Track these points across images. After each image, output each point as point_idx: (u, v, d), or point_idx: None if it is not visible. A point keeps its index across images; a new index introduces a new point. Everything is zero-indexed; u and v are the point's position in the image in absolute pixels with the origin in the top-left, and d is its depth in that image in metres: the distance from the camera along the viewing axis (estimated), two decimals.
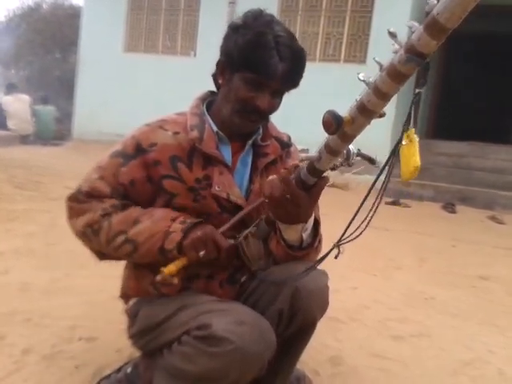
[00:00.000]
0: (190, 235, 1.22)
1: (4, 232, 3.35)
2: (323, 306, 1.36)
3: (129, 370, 1.57)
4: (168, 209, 1.30)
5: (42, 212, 4.03)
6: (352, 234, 1.09)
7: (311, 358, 1.91)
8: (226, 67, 1.31)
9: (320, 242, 1.36)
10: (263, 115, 1.33)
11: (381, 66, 0.87)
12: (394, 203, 6.27)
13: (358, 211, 1.07)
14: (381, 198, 1.03)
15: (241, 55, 1.25)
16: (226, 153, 1.37)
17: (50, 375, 1.66)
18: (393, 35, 0.84)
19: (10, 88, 10.01)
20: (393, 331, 2.34)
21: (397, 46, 0.84)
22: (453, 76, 9.66)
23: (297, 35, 1.36)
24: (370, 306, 2.65)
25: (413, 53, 0.81)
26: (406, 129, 0.97)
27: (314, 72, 7.39)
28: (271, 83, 1.26)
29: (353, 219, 1.08)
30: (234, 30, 1.29)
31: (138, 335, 1.39)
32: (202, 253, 1.21)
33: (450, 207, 6.33)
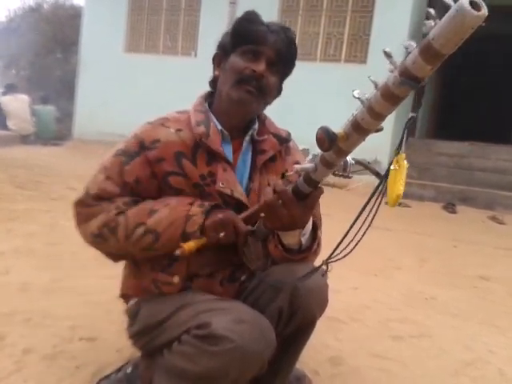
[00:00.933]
0: (211, 217, 1.23)
1: (4, 232, 3.35)
2: (323, 304, 1.36)
3: (129, 369, 1.57)
4: (181, 196, 1.30)
5: (43, 212, 4.03)
6: (342, 251, 1.09)
7: (311, 357, 1.91)
8: (221, 57, 1.39)
9: (319, 245, 1.37)
10: (261, 83, 1.32)
11: (376, 84, 0.85)
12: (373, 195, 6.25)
13: (349, 230, 1.06)
14: (372, 219, 1.02)
15: (233, 33, 1.34)
16: (228, 151, 1.38)
17: (50, 375, 1.66)
18: (388, 55, 0.82)
19: (9, 88, 10.02)
20: (393, 331, 2.34)
21: (391, 66, 0.82)
22: (454, 76, 9.66)
23: (297, 35, 1.38)
24: (370, 306, 2.65)
25: (407, 76, 0.78)
26: (396, 153, 0.94)
27: (314, 72, 7.43)
28: (265, 50, 1.32)
29: (343, 239, 1.07)
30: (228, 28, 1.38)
31: (138, 335, 1.39)
32: (222, 234, 1.22)
33: (450, 207, 6.33)
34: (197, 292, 1.33)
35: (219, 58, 1.40)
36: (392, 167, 0.95)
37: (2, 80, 13.76)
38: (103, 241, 1.29)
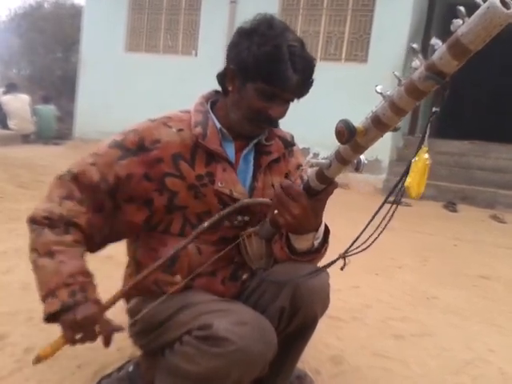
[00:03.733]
0: (68, 314, 1.16)
1: (6, 231, 3.36)
2: (324, 303, 1.37)
3: (130, 368, 1.57)
4: (83, 266, 1.25)
5: None
6: (359, 246, 1.09)
7: (312, 357, 1.91)
8: (236, 75, 1.29)
9: (326, 248, 1.36)
10: (274, 123, 1.36)
11: (399, 80, 0.86)
12: (395, 202, 6.25)
13: (367, 226, 1.06)
14: (392, 215, 1.03)
15: (257, 66, 1.23)
16: (230, 150, 1.37)
17: (51, 374, 1.67)
18: (415, 51, 0.83)
19: (10, 88, 10.01)
20: (394, 330, 2.34)
21: (417, 62, 0.83)
22: (454, 75, 9.64)
23: (298, 34, 1.36)
24: (371, 305, 2.65)
25: (433, 71, 0.80)
26: (421, 146, 0.96)
27: (315, 71, 7.42)
28: (285, 95, 1.27)
29: (362, 232, 1.07)
30: (245, 36, 1.27)
31: (140, 334, 1.39)
32: (78, 336, 1.17)
33: (451, 206, 6.33)
34: (198, 292, 1.33)
35: (234, 75, 1.30)
36: (428, 162, 0.96)
37: (2, 79, 13.76)
38: (28, 228, 1.30)
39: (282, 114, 1.33)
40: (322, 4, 7.90)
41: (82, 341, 1.19)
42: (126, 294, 1.31)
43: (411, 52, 0.84)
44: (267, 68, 1.22)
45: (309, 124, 7.20)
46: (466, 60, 0.79)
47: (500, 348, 2.26)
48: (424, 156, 0.94)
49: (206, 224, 1.28)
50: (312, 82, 1.31)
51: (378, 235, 1.05)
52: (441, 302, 2.86)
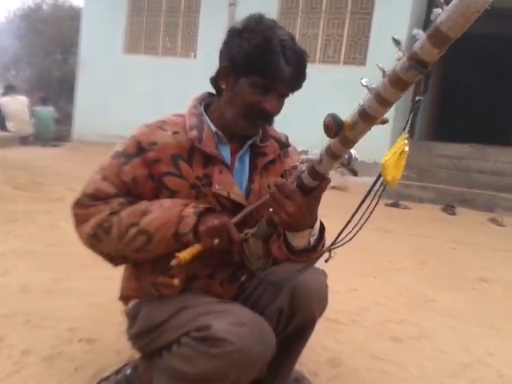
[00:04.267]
0: (206, 222, 1.21)
1: (4, 233, 3.35)
2: (322, 304, 1.37)
3: (128, 371, 1.57)
4: (176, 198, 1.29)
5: (43, 213, 4.03)
6: (344, 238, 1.09)
7: (310, 359, 1.91)
8: (229, 72, 1.31)
9: (323, 246, 1.36)
10: (269, 118, 1.34)
11: (383, 71, 0.87)
12: (393, 205, 6.27)
13: (352, 216, 1.07)
14: (376, 204, 1.03)
15: (248, 60, 1.25)
16: (225, 152, 1.38)
17: (49, 377, 1.66)
18: (397, 42, 0.85)
19: (9, 89, 10.01)
20: (392, 333, 2.34)
21: (400, 53, 0.84)
22: (452, 78, 9.68)
23: (297, 37, 1.37)
24: (369, 308, 2.65)
25: (415, 60, 0.81)
26: (406, 127, 0.96)
27: (313, 73, 7.40)
28: (278, 86, 1.27)
29: (346, 225, 1.08)
30: (236, 34, 1.29)
31: (138, 336, 1.39)
32: (216, 241, 1.20)
33: (449, 209, 6.33)
34: (197, 294, 1.33)
35: (227, 72, 1.32)
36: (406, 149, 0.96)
37: (1, 81, 13.76)
38: (98, 241, 1.28)
39: (277, 109, 1.32)
40: (321, 7, 7.92)
41: (220, 245, 1.21)
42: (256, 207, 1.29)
43: (394, 43, 0.85)
44: (259, 60, 1.24)
45: (307, 126, 7.20)
46: (447, 48, 0.79)
47: (498, 351, 2.26)
48: (403, 141, 0.94)
49: (240, 215, 1.28)
50: (305, 75, 1.33)
51: (360, 227, 1.06)
52: (439, 304, 2.86)
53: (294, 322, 1.33)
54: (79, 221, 1.31)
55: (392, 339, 2.28)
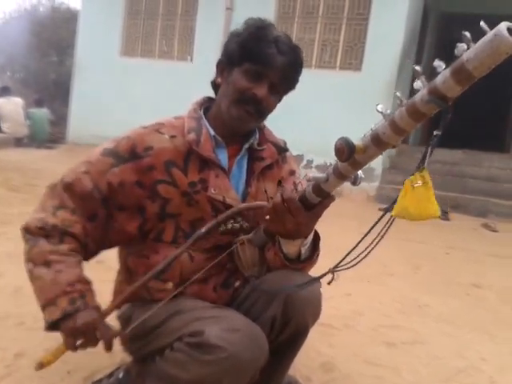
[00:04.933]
0: (68, 321, 1.17)
1: None
2: (316, 312, 1.36)
3: (120, 375, 1.57)
4: (81, 274, 1.26)
5: None
6: (349, 262, 1.09)
7: (303, 364, 1.91)
8: (225, 66, 1.35)
9: (317, 256, 1.36)
10: (260, 107, 1.33)
11: (401, 100, 0.86)
12: (387, 210, 6.27)
13: (358, 242, 1.06)
14: (383, 236, 1.03)
15: (241, 48, 1.30)
16: (223, 156, 1.38)
17: (41, 380, 1.65)
18: (418, 73, 0.83)
19: (4, 91, 9.98)
20: (386, 338, 2.35)
21: (419, 83, 0.83)
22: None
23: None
24: (363, 313, 2.66)
25: (436, 95, 0.80)
26: (421, 168, 0.95)
27: (309, 78, 7.42)
28: (269, 73, 1.29)
29: (354, 248, 1.07)
30: (234, 34, 1.34)
31: (130, 341, 1.38)
32: (79, 342, 1.19)
33: (443, 214, 6.35)
34: (190, 299, 1.32)
35: (223, 66, 1.37)
36: (417, 184, 0.94)
37: None
38: (22, 237, 1.31)
39: (269, 101, 1.32)
40: (318, 12, 7.95)
41: (83, 347, 1.20)
42: (124, 302, 1.31)
43: (414, 73, 0.84)
44: (252, 47, 1.28)
45: (303, 131, 7.23)
46: (470, 85, 0.78)
47: (492, 356, 2.27)
48: (429, 179, 0.95)
49: (203, 229, 1.28)
50: (299, 69, 1.36)
51: (368, 253, 1.04)
52: (433, 310, 2.87)
53: (288, 329, 1.32)
54: (40, 203, 1.33)
55: (385, 344, 2.28)
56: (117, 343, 1.45)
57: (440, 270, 3.89)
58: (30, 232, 1.27)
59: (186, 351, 1.13)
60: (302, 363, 1.88)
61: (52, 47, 14.23)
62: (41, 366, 1.17)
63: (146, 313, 1.31)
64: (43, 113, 10.30)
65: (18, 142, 9.62)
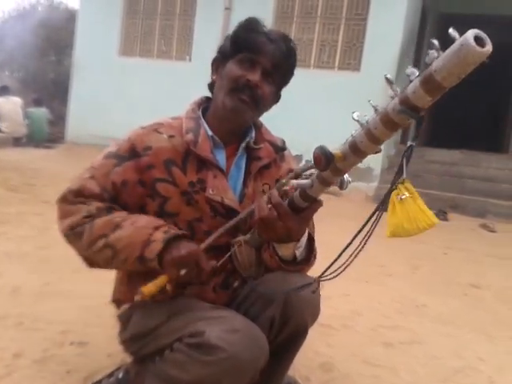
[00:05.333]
0: (172, 251, 1.17)
1: None
2: (315, 313, 1.36)
3: (120, 375, 1.57)
4: (153, 217, 1.27)
5: (35, 215, 4.01)
6: (334, 271, 1.08)
7: (302, 364, 1.91)
8: (219, 62, 1.38)
9: (314, 256, 1.37)
10: (254, 93, 1.32)
11: (376, 109, 0.85)
12: (386, 210, 6.28)
13: (343, 250, 1.05)
14: (368, 237, 1.02)
15: (233, 41, 1.34)
16: (221, 157, 1.38)
17: (41, 380, 1.65)
18: (389, 81, 0.82)
19: (2, 90, 9.97)
20: (385, 338, 2.35)
21: (391, 92, 0.82)
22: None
23: None
24: (361, 313, 2.66)
25: (407, 105, 0.79)
26: (399, 180, 0.91)
27: (308, 79, 7.47)
28: (261, 60, 1.31)
29: (337, 258, 1.07)
30: (228, 35, 1.39)
31: (130, 341, 1.38)
32: (183, 271, 1.17)
33: (441, 215, 6.36)
34: (189, 299, 1.32)
35: (217, 63, 1.40)
36: (403, 196, 0.90)
37: None
38: (71, 241, 1.29)
39: (263, 88, 1.33)
40: (316, 12, 7.95)
41: (186, 276, 1.18)
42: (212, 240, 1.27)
43: (386, 82, 0.82)
44: (243, 38, 1.33)
45: (301, 131, 7.23)
46: (440, 96, 0.76)
47: (489, 357, 2.27)
48: (414, 190, 0.90)
49: (221, 229, 1.27)
50: (292, 58, 1.38)
51: (352, 260, 1.03)
52: (431, 310, 2.87)
53: (287, 329, 1.32)
54: (60, 215, 1.31)
55: (384, 344, 2.29)
56: (116, 343, 1.46)
57: (438, 270, 3.89)
58: (77, 225, 1.25)
59: (186, 352, 1.13)
60: (301, 363, 1.88)
61: (50, 47, 14.22)
62: (142, 295, 1.14)
63: (146, 314, 1.31)
64: (42, 112, 10.28)
65: (17, 142, 9.61)
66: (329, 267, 1.10)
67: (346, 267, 1.05)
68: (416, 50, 8.20)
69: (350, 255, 1.03)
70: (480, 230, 5.89)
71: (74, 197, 1.30)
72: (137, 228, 1.22)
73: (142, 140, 1.33)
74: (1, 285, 2.44)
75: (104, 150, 1.37)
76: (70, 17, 12.80)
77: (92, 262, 1.31)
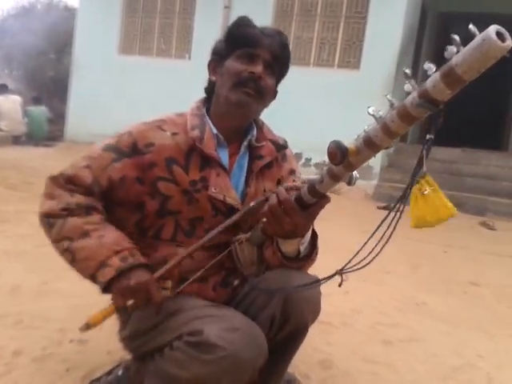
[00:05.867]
0: (123, 280, 1.16)
1: None
2: (315, 311, 1.36)
3: (119, 372, 1.57)
4: (123, 235, 1.26)
5: (34, 213, 3.94)
6: (356, 264, 1.11)
7: (302, 361, 1.92)
8: (216, 62, 1.39)
9: (316, 253, 1.36)
10: (259, 85, 1.33)
11: (392, 103, 0.86)
12: (386, 208, 6.28)
13: (365, 243, 1.07)
14: (390, 236, 1.03)
15: (228, 39, 1.36)
16: (224, 155, 1.37)
17: (40, 378, 1.65)
18: (407, 76, 0.83)
19: (1, 88, 9.96)
20: (384, 336, 2.35)
21: (410, 87, 0.83)
22: None
23: (291, 40, 1.41)
24: (361, 311, 2.66)
25: (426, 98, 0.80)
26: (420, 174, 0.93)
27: (307, 77, 7.47)
28: (260, 52, 1.33)
29: (359, 251, 1.08)
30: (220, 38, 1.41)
31: (130, 338, 1.38)
32: (129, 302, 1.17)
33: None
34: (189, 297, 1.32)
35: (214, 64, 1.40)
36: (426, 192, 0.93)
37: None
38: (42, 226, 1.30)
39: (266, 81, 1.34)
40: (316, 10, 7.94)
41: (133, 307, 1.18)
42: (174, 267, 1.26)
43: (404, 77, 0.83)
44: (239, 34, 1.34)
45: (301, 129, 7.23)
46: (460, 89, 0.77)
47: (489, 354, 2.28)
48: (419, 187, 0.93)
49: (219, 227, 1.27)
50: (288, 51, 1.40)
51: (377, 254, 1.04)
52: (430, 308, 2.87)
53: (287, 328, 1.32)
54: (45, 194, 1.32)
55: (383, 342, 2.29)
56: (116, 340, 1.46)
57: (438, 268, 3.89)
58: (52, 216, 1.26)
59: (186, 350, 1.13)
60: (300, 360, 1.89)
61: (50, 45, 14.19)
62: (88, 325, 1.14)
63: (146, 312, 1.31)
64: (41, 111, 10.28)
65: (16, 140, 9.60)
66: (351, 259, 1.11)
67: (371, 261, 1.08)
68: (415, 49, 8.20)
69: (373, 248, 1.04)
70: (480, 228, 5.89)
71: (64, 182, 1.29)
72: (100, 244, 1.21)
73: (144, 136, 1.32)
74: (0, 283, 2.44)
75: (104, 140, 1.35)
76: (69, 15, 12.79)
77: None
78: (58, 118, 10.90)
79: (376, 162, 7.14)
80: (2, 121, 9.45)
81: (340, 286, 1.14)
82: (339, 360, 2.03)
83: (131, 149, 1.30)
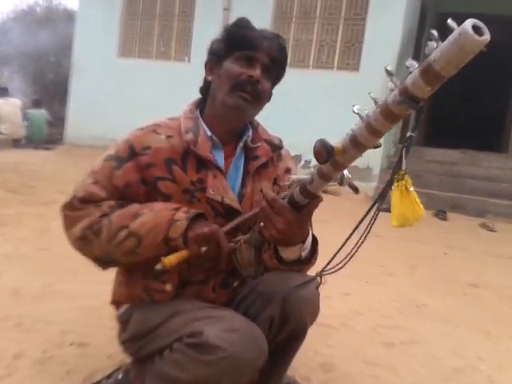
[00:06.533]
0: (195, 228, 1.19)
1: None
2: (314, 312, 1.36)
3: (120, 376, 1.56)
4: (167, 202, 1.29)
5: (34, 216, 4.01)
6: (335, 266, 1.09)
7: (302, 364, 1.91)
8: (214, 62, 1.39)
9: (315, 258, 1.36)
10: (257, 89, 1.33)
11: (376, 101, 0.86)
12: (385, 210, 6.27)
13: (343, 244, 1.06)
14: (368, 231, 1.02)
15: (226, 40, 1.36)
16: (219, 157, 1.38)
17: (41, 380, 1.65)
18: (389, 73, 0.83)
19: (1, 92, 9.97)
20: (384, 338, 2.35)
21: (392, 84, 0.83)
22: (444, 84, 9.72)
23: (290, 42, 1.41)
24: (361, 313, 2.66)
25: (406, 95, 0.79)
26: (402, 172, 0.94)
27: (307, 79, 7.47)
28: (259, 56, 1.33)
29: (337, 252, 1.07)
30: (217, 37, 1.42)
31: (130, 341, 1.38)
32: (203, 248, 1.19)
33: (441, 214, 6.36)
34: (189, 299, 1.32)
35: (211, 64, 1.40)
36: (411, 188, 0.94)
37: None
38: (87, 244, 1.27)
39: (263, 84, 1.34)
40: (315, 12, 7.95)
41: (206, 254, 1.20)
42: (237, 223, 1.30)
43: (386, 74, 0.83)
44: (237, 36, 1.34)
45: (301, 131, 7.23)
46: (440, 85, 0.77)
47: (489, 356, 2.27)
48: (400, 183, 0.93)
49: (233, 223, 1.30)
50: (285, 55, 1.41)
51: (352, 255, 1.04)
52: (431, 309, 2.87)
53: (286, 330, 1.32)
54: (69, 223, 1.30)
55: (384, 344, 2.28)
56: (116, 344, 1.46)
57: (438, 269, 3.89)
58: (94, 224, 1.25)
59: (186, 352, 1.13)
60: (300, 363, 1.88)
61: (49, 48, 14.21)
62: (162, 265, 1.15)
63: (146, 314, 1.31)
64: (41, 114, 10.29)
65: (16, 143, 9.61)
66: (329, 262, 1.11)
67: (346, 262, 1.06)
68: (415, 50, 8.20)
69: (351, 250, 1.04)
70: (480, 230, 5.89)
71: (80, 203, 1.28)
72: (156, 212, 1.23)
73: (140, 141, 1.32)
74: (0, 286, 2.43)
75: (103, 153, 1.36)
76: (69, 18, 12.81)
77: (108, 261, 1.30)
78: (58, 120, 10.92)
79: (376, 163, 7.14)
80: (2, 124, 9.45)
81: (318, 288, 1.17)
82: (340, 362, 2.03)
83: (129, 153, 1.31)
